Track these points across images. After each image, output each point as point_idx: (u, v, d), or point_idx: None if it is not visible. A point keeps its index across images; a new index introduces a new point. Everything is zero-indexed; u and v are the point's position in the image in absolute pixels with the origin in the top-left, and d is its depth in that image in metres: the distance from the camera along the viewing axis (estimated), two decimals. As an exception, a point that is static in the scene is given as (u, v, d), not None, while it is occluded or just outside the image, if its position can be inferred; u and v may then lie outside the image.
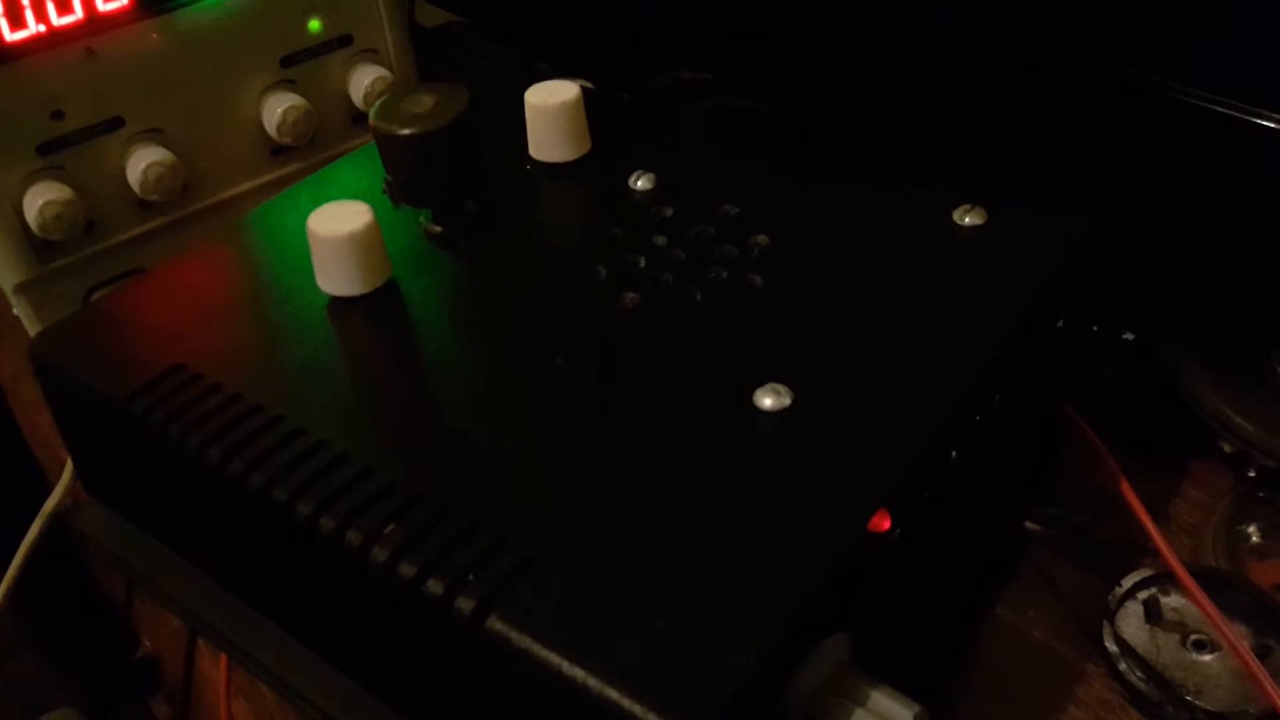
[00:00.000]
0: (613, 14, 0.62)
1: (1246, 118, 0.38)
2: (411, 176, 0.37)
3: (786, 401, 0.30)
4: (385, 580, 0.27)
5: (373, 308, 0.36)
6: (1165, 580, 0.40)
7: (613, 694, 0.24)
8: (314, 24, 0.51)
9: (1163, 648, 0.38)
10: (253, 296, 0.37)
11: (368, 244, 0.35)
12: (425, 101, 0.37)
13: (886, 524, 0.30)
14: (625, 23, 0.62)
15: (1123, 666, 0.38)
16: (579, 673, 0.24)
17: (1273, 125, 0.38)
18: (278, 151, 0.53)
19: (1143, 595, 0.40)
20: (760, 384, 0.31)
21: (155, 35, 0.47)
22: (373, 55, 0.54)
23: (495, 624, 0.26)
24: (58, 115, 0.47)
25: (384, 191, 0.40)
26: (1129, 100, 0.41)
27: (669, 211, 0.39)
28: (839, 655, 0.28)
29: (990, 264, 0.35)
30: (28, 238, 0.47)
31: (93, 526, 0.38)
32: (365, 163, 0.43)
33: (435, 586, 0.27)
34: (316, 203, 0.39)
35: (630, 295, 0.35)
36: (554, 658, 0.25)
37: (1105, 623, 0.39)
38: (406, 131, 0.36)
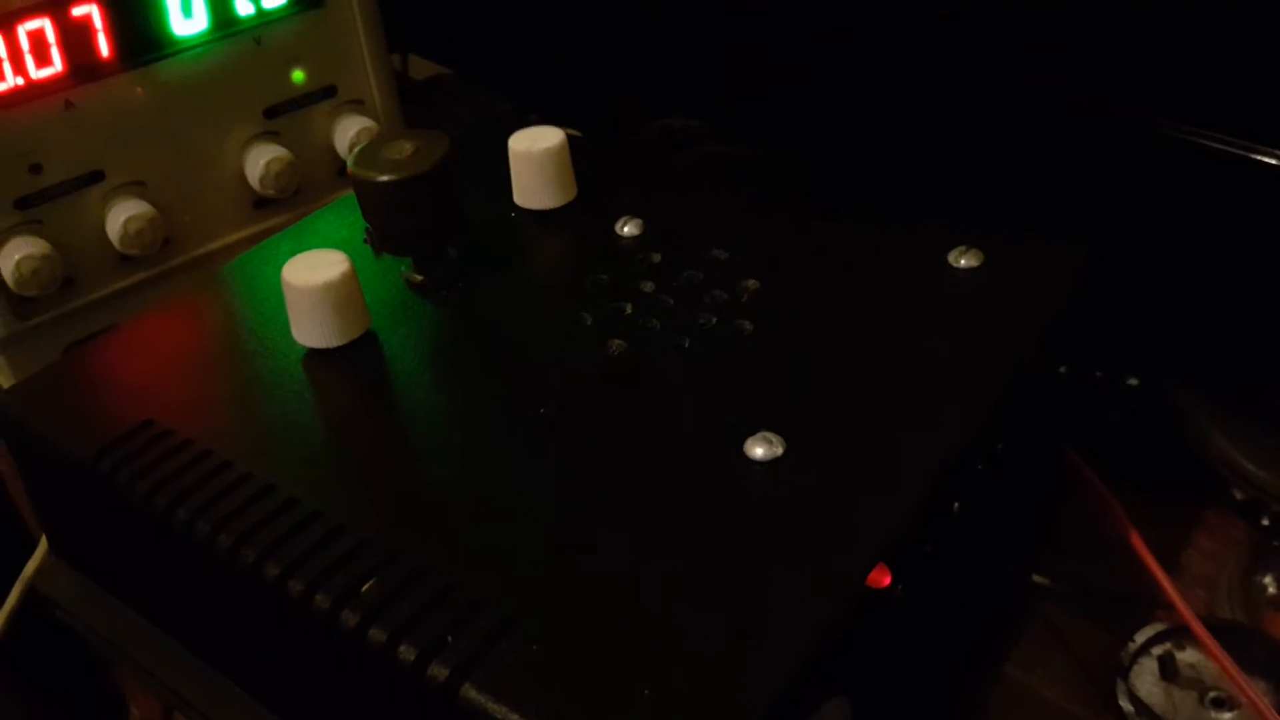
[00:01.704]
0: (603, 62, 0.62)
1: (1247, 154, 0.37)
2: (391, 224, 0.36)
3: (779, 451, 0.29)
4: (356, 645, 0.26)
5: (350, 360, 0.35)
6: (1180, 634, 0.38)
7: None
8: (298, 75, 0.51)
9: (1180, 706, 0.36)
10: (227, 350, 0.36)
11: (344, 294, 0.34)
12: (405, 148, 0.36)
13: (887, 579, 0.28)
14: (616, 70, 0.62)
15: (1138, 724, 0.36)
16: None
17: (1274, 162, 0.37)
18: (261, 204, 0.52)
19: (1157, 651, 0.38)
20: (752, 433, 0.29)
21: (136, 87, 0.47)
22: (358, 106, 0.53)
23: (470, 692, 0.24)
24: (35, 169, 0.46)
25: (365, 240, 0.39)
26: (1130, 137, 0.40)
27: (656, 257, 0.38)
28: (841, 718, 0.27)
29: (989, 306, 0.34)
30: (4, 294, 0.46)
31: (59, 591, 0.36)
32: (346, 212, 0.42)
33: (407, 652, 0.25)
34: (295, 253, 0.38)
35: (617, 343, 0.34)
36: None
37: (1119, 680, 0.37)
38: (385, 178, 0.35)
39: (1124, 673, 0.37)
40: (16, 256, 0.45)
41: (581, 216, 0.40)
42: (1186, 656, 0.37)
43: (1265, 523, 0.41)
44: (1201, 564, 0.42)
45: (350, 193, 0.42)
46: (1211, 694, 0.36)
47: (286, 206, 0.52)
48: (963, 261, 0.35)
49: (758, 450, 0.29)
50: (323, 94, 0.52)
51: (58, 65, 0.45)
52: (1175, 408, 0.42)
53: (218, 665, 0.32)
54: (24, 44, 0.44)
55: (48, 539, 0.37)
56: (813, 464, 0.29)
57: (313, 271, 0.34)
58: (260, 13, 0.49)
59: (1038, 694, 0.38)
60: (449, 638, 0.25)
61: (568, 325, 0.35)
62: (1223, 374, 0.42)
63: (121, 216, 0.47)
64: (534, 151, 0.40)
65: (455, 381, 0.34)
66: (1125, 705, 0.37)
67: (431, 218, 0.36)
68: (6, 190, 0.45)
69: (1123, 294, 0.40)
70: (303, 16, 0.50)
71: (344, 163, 0.53)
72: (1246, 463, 0.40)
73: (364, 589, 0.27)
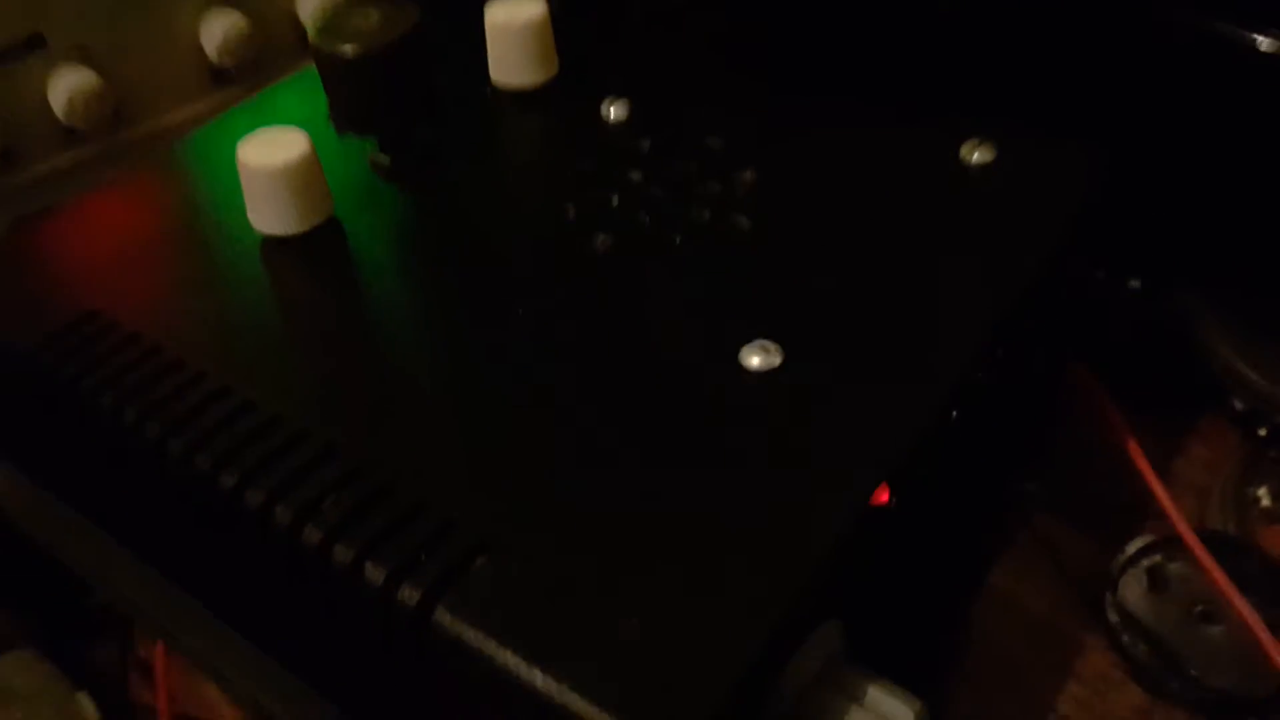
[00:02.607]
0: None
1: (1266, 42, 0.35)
2: (355, 100, 0.33)
3: (776, 361, 0.27)
4: (320, 563, 0.24)
5: (310, 249, 0.32)
6: (1171, 546, 0.37)
7: (576, 702, 0.21)
8: (257, -68, 0.47)
9: (1167, 619, 0.36)
10: (179, 233, 0.34)
11: (304, 176, 0.31)
12: (371, 17, 0.33)
13: (885, 496, 0.27)
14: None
15: (1124, 639, 0.36)
16: (538, 676, 0.21)
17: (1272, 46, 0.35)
18: (219, 75, 0.48)
19: (1147, 562, 0.37)
20: (747, 341, 0.27)
21: (77, -56, 0.43)
22: (322, -30, 0.49)
23: (443, 616, 0.23)
24: (-30, 32, 0.42)
25: (329, 118, 0.36)
26: (1140, 23, 0.37)
27: (645, 144, 0.35)
28: (831, 646, 0.25)
29: (1001, 206, 0.31)
30: (-54, 167, 0.43)
31: (7, 496, 0.34)
32: (309, 86, 0.39)
33: (375, 572, 0.23)
34: (253, 129, 0.35)
35: (602, 238, 0.31)
36: (509, 657, 0.22)
37: (1107, 592, 0.37)
38: (348, 49, 0.32)
39: (1112, 584, 0.37)
40: (-44, 125, 0.42)
41: (564, 96, 0.37)
42: (1176, 568, 0.37)
43: (1262, 433, 0.40)
44: (1195, 472, 0.41)
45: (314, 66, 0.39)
46: (1199, 608, 0.36)
47: (246, 78, 0.49)
48: (975, 157, 0.32)
49: (754, 360, 0.27)
50: (284, -45, 0.48)
51: (-14, -82, 0.41)
52: (1179, 313, 0.41)
53: (173, 575, 0.31)
54: (-51, -110, 0.39)
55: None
56: (812, 374, 0.27)
57: (270, 151, 0.31)
58: None
59: (1026, 606, 0.38)
60: (420, 558, 0.23)
61: (548, 217, 0.32)
62: (1232, 280, 0.41)
63: (65, 87, 0.44)
64: (514, 24, 0.36)
65: (424, 276, 0.32)
66: (1112, 617, 0.36)
67: (398, 94, 0.33)
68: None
69: (1128, 192, 0.38)
70: None
71: (307, 33, 0.49)
72: (1250, 372, 0.39)
73: (324, 504, 0.25)
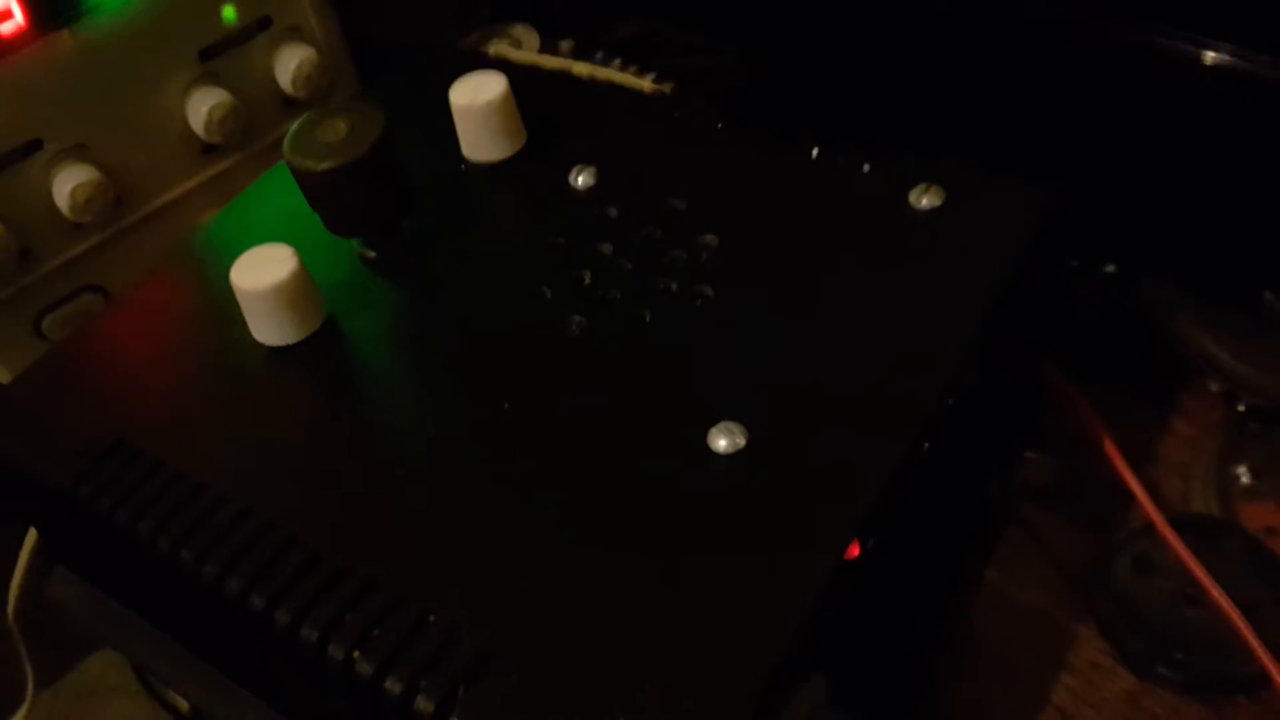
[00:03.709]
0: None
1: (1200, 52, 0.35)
2: (336, 209, 0.35)
3: (741, 442, 0.29)
4: (344, 677, 0.27)
5: (310, 356, 0.34)
6: (1157, 532, 0.39)
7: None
8: (228, 12, 0.48)
9: (1155, 603, 0.38)
10: (188, 350, 0.36)
11: (295, 292, 0.34)
12: (339, 128, 0.34)
13: (855, 551, 0.29)
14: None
15: (1114, 626, 0.38)
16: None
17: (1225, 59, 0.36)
18: (209, 149, 0.50)
19: (1134, 549, 0.39)
20: (713, 423, 0.29)
21: (59, 51, 0.45)
22: (295, 33, 0.51)
23: (457, 724, 0.25)
24: (-31, 147, 0.44)
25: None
26: (1094, 41, 0.38)
27: (613, 212, 0.37)
28: (815, 699, 0.28)
29: (953, 250, 0.33)
30: (-33, 274, 0.46)
31: (64, 595, 0.37)
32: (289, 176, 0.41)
33: (394, 686, 0.26)
34: (246, 230, 0.37)
35: (577, 319, 0.33)
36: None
37: (1096, 580, 0.39)
38: (323, 166, 0.34)
39: (1101, 572, 0.39)
40: (-29, 238, 0.44)
41: (534, 167, 0.39)
42: (1162, 554, 0.38)
43: (1242, 408, 0.41)
44: (1178, 451, 0.42)
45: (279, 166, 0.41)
46: (1188, 591, 0.37)
47: (236, 148, 0.51)
48: (924, 201, 0.34)
49: (720, 442, 0.29)
50: (257, 27, 0.49)
51: (-27, 40, 0.42)
52: (1151, 299, 0.42)
53: (222, 671, 0.34)
54: (-67, 24, 0.41)
55: (48, 549, 0.38)
56: (777, 450, 0.29)
57: (261, 271, 0.33)
58: (177, -48, 0.46)
59: (1015, 598, 0.40)
60: (429, 672, 0.26)
61: (527, 301, 0.34)
62: (1201, 267, 0.42)
63: (68, 185, 0.46)
64: (478, 105, 0.38)
65: (419, 375, 0.34)
66: (1101, 604, 0.38)
67: (375, 199, 0.35)
68: (-57, 170, 0.44)
69: (1100, 183, 0.39)
70: (223, -51, 0.47)
71: (289, 96, 0.51)
72: (1224, 355, 0.40)
73: (345, 621, 0.27)
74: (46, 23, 0.44)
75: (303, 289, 0.34)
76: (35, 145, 0.46)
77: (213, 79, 0.49)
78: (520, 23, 0.58)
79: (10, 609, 0.41)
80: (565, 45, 0.56)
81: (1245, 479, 0.40)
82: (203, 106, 0.48)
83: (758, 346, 0.32)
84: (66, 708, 0.56)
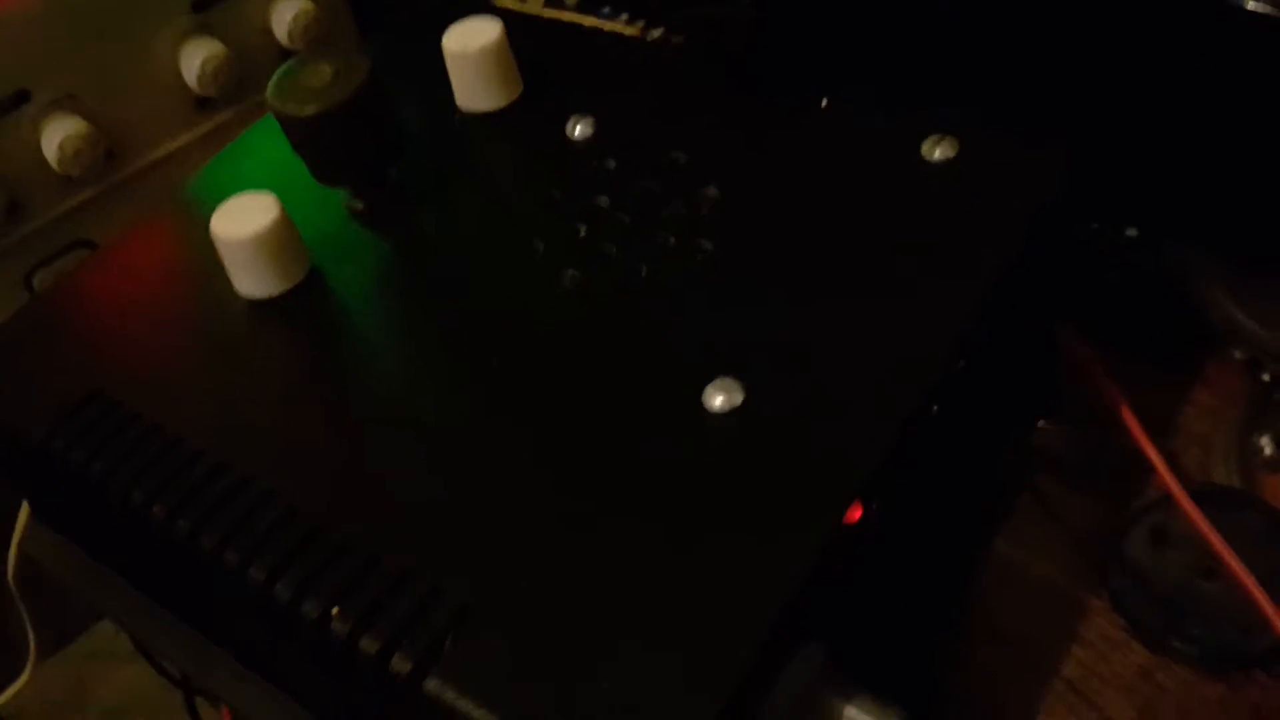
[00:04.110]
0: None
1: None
2: (321, 155, 0.34)
3: (738, 399, 0.28)
4: (318, 636, 0.26)
5: (292, 309, 0.33)
6: (1173, 503, 0.37)
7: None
8: (222, -41, 0.47)
9: (1169, 577, 0.36)
10: (169, 301, 0.35)
11: (276, 242, 0.32)
12: (323, 73, 0.33)
13: (858, 513, 0.27)
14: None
15: (1127, 599, 0.36)
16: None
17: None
18: (203, 103, 0.49)
19: (1151, 520, 0.37)
20: (709, 379, 0.28)
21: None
22: (292, -16, 0.49)
23: (433, 686, 0.24)
24: (-42, 96, 0.43)
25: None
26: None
27: (611, 163, 0.35)
28: (813, 668, 0.26)
29: (966, 204, 0.31)
30: (-50, 229, 0.45)
31: (43, 552, 0.36)
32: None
33: (370, 645, 0.25)
34: (233, 181, 0.36)
35: (571, 273, 0.32)
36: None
37: (1110, 552, 0.37)
38: (307, 111, 0.32)
39: (1116, 543, 0.37)
40: (-42, 188, 0.43)
41: (529, 116, 0.38)
42: (1179, 526, 0.37)
43: (1266, 378, 0.39)
44: (1199, 421, 0.41)
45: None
46: (1205, 563, 0.36)
47: (230, 102, 0.50)
48: (937, 153, 0.32)
49: (716, 400, 0.28)
50: (252, -25, 0.48)
51: (-43, -17, 0.41)
52: (1176, 264, 0.40)
53: (199, 629, 0.33)
54: (-85, -35, 0.40)
55: (30, 504, 0.37)
56: (776, 407, 0.27)
57: (242, 220, 0.32)
58: (169, -104, 0.45)
59: (1027, 569, 0.38)
60: (407, 631, 0.25)
61: (519, 255, 0.33)
62: (1226, 231, 0.40)
63: (56, 137, 0.45)
64: (471, 51, 0.36)
65: (403, 330, 0.32)
66: (1115, 576, 0.37)
67: (361, 146, 0.34)
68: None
69: (1123, 144, 0.37)
70: (215, -107, 0.46)
71: (284, 48, 0.50)
72: (1249, 321, 0.39)
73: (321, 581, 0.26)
74: (35, -33, 0.42)
75: (285, 239, 0.33)
76: (23, 96, 0.45)
77: (206, 30, 0.48)
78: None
79: (10, 571, 0.41)
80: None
81: (1268, 450, 0.39)
82: (196, 58, 0.47)
83: (757, 303, 0.30)
84: (75, 671, 0.56)
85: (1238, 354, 0.39)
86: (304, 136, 0.33)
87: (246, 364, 0.32)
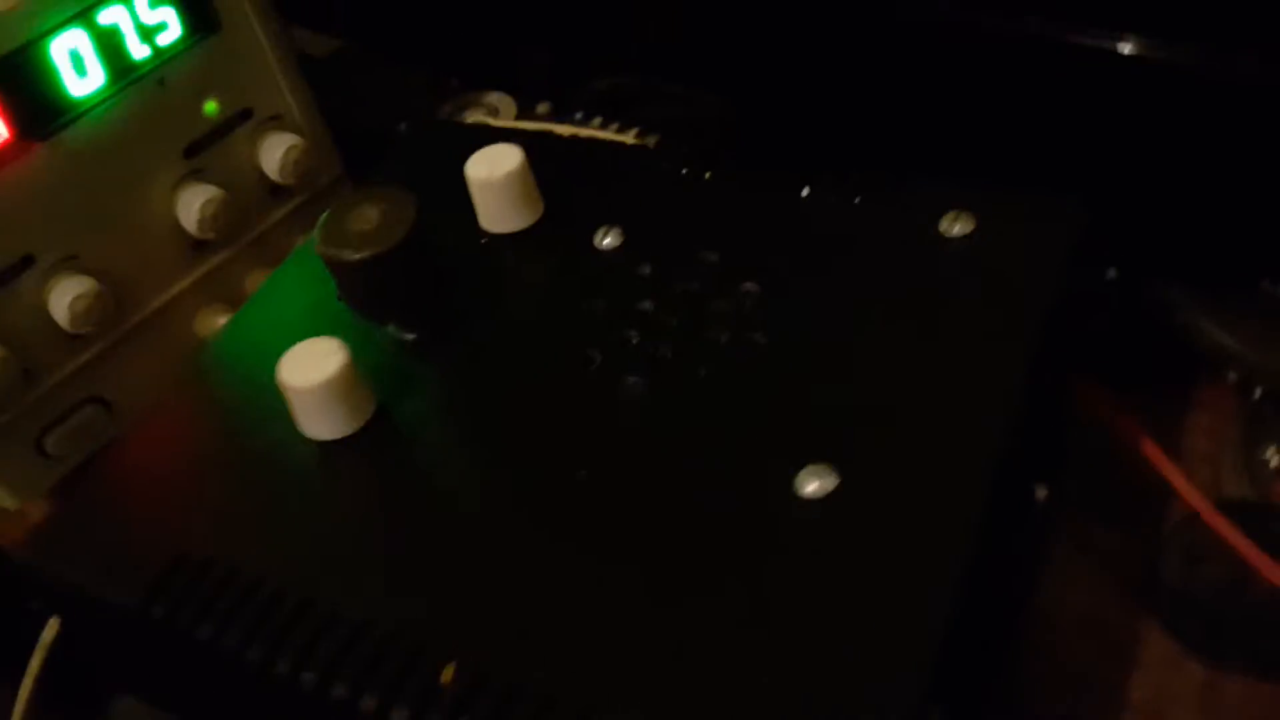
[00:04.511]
0: (511, 15, 0.59)
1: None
2: (372, 298, 0.35)
3: (831, 485, 0.29)
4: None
5: (365, 446, 0.34)
6: (1202, 520, 0.40)
7: None
8: (210, 106, 0.48)
9: (1214, 590, 0.38)
10: (233, 454, 0.35)
11: (347, 384, 0.33)
12: (370, 215, 0.34)
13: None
14: (526, 25, 0.59)
15: (1176, 619, 0.38)
16: None
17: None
18: (199, 246, 0.50)
19: (1183, 541, 0.40)
20: (797, 467, 0.30)
21: (45, 161, 0.44)
22: (277, 122, 0.50)
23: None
24: (-36, 270, 0.43)
25: (339, 298, 0.38)
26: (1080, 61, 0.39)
27: (646, 269, 0.37)
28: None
29: (994, 273, 0.34)
30: (-36, 404, 0.44)
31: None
32: (308, 266, 0.40)
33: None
34: (272, 328, 0.37)
35: (632, 380, 0.34)
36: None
37: (1150, 576, 0.39)
38: (360, 256, 0.34)
39: (1154, 568, 0.39)
40: (-29, 367, 0.43)
41: (556, 233, 0.39)
42: (1212, 541, 0.39)
43: (1258, 395, 0.42)
44: (1202, 441, 0.44)
45: (302, 243, 0.41)
46: (1242, 574, 0.38)
47: (226, 242, 0.50)
48: (956, 229, 0.35)
49: (810, 486, 0.29)
50: (239, 119, 0.49)
51: (-41, 159, 0.41)
52: (1159, 300, 0.43)
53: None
54: (-80, 148, 0.40)
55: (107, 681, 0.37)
56: (868, 490, 0.29)
57: (310, 367, 0.33)
58: (157, 52, 0.45)
59: (1072, 605, 0.40)
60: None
61: (578, 369, 0.34)
62: (1197, 264, 0.43)
63: (66, 298, 0.45)
64: (497, 178, 0.38)
65: (480, 454, 0.33)
66: (1161, 600, 0.39)
67: (415, 282, 0.35)
68: (-60, 298, 0.43)
69: (1095, 192, 0.40)
70: (202, 46, 0.47)
71: (274, 183, 0.51)
72: (1238, 345, 0.42)
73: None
74: (31, 133, 0.43)
75: (354, 379, 0.33)
76: (28, 261, 0.45)
77: (199, 175, 0.48)
78: (493, 91, 0.59)
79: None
80: (542, 108, 0.56)
81: (1275, 462, 0.42)
82: (194, 203, 0.47)
83: (820, 391, 0.32)
84: None
85: (1231, 376, 0.42)
86: (358, 278, 0.34)
87: (331, 506, 0.33)
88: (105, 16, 0.43)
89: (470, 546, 0.31)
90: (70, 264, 0.46)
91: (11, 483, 0.48)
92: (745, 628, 0.27)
